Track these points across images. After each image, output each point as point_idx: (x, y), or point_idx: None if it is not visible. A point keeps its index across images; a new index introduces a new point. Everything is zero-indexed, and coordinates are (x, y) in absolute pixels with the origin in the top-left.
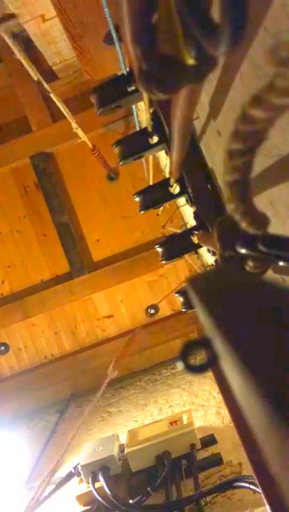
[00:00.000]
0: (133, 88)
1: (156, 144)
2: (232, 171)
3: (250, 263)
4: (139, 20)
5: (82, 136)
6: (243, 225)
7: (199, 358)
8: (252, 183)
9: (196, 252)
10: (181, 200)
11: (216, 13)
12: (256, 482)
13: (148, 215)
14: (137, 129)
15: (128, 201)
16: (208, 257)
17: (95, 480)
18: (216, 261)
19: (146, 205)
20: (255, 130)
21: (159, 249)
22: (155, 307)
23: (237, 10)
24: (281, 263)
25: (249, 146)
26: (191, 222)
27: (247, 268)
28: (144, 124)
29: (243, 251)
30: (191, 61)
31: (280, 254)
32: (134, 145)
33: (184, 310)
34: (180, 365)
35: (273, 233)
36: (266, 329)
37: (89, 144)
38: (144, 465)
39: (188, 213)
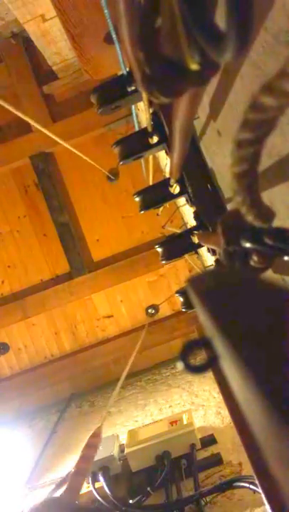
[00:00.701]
0: (133, 88)
1: (156, 144)
2: (240, 162)
3: (255, 258)
4: (142, 24)
5: None
6: (249, 218)
7: (199, 358)
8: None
9: (196, 252)
10: (181, 200)
11: (220, 16)
12: (256, 482)
13: (148, 215)
14: (136, 129)
15: (128, 201)
16: (208, 257)
17: (95, 480)
18: (216, 261)
19: (146, 205)
20: (264, 119)
21: (159, 249)
22: (155, 307)
23: (243, 18)
24: (287, 257)
25: (258, 135)
26: (191, 222)
27: (251, 263)
28: (143, 125)
29: (247, 245)
30: (194, 66)
31: (286, 248)
32: (134, 145)
33: (183, 310)
34: (180, 365)
35: (280, 226)
36: (266, 329)
37: None
38: (144, 465)
39: (188, 213)
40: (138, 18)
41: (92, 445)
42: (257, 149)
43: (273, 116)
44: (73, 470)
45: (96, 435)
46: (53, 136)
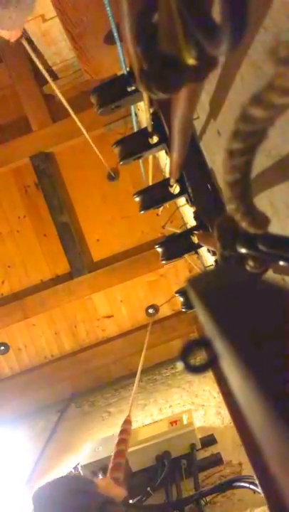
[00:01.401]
0: (133, 88)
1: (156, 144)
2: (232, 171)
3: (250, 263)
4: (140, 21)
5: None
6: (243, 224)
7: (199, 358)
8: (252, 183)
9: (196, 252)
10: (181, 200)
11: (216, 13)
12: (256, 482)
13: (148, 215)
14: (135, 129)
15: (128, 201)
16: (208, 257)
17: None
18: (216, 261)
19: (146, 205)
20: (255, 129)
21: (159, 249)
22: (155, 307)
23: (238, 11)
24: (281, 263)
25: (249, 145)
26: (191, 222)
27: (247, 268)
28: (143, 124)
29: (243, 250)
30: (191, 61)
31: (280, 254)
32: (134, 145)
33: (183, 310)
34: (180, 365)
35: (273, 233)
36: (266, 329)
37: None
38: (144, 465)
39: (188, 213)
40: (136, 14)
41: (125, 431)
42: (248, 158)
43: (263, 127)
44: (114, 451)
45: (127, 422)
46: None
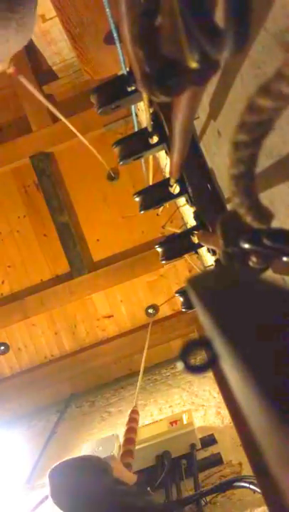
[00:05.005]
0: (133, 88)
1: (156, 144)
2: (237, 164)
3: (254, 259)
4: (142, 23)
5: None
6: (248, 219)
7: (199, 358)
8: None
9: (196, 252)
10: (181, 200)
11: (219, 14)
12: (256, 482)
13: (148, 215)
14: (136, 129)
15: (128, 201)
16: (208, 257)
17: None
18: (216, 261)
19: (146, 205)
20: (261, 120)
21: (159, 249)
22: (155, 307)
23: (241, 15)
24: (285, 258)
25: (255, 137)
26: (191, 222)
27: (250, 264)
28: (143, 125)
29: (246, 246)
30: (194, 64)
31: (284, 249)
32: (134, 145)
33: (183, 310)
34: (180, 365)
35: (279, 227)
36: (266, 329)
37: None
38: (144, 465)
39: (188, 213)
40: (138, 17)
41: (133, 419)
42: (254, 151)
43: (270, 117)
44: (124, 439)
45: (134, 412)
46: None
